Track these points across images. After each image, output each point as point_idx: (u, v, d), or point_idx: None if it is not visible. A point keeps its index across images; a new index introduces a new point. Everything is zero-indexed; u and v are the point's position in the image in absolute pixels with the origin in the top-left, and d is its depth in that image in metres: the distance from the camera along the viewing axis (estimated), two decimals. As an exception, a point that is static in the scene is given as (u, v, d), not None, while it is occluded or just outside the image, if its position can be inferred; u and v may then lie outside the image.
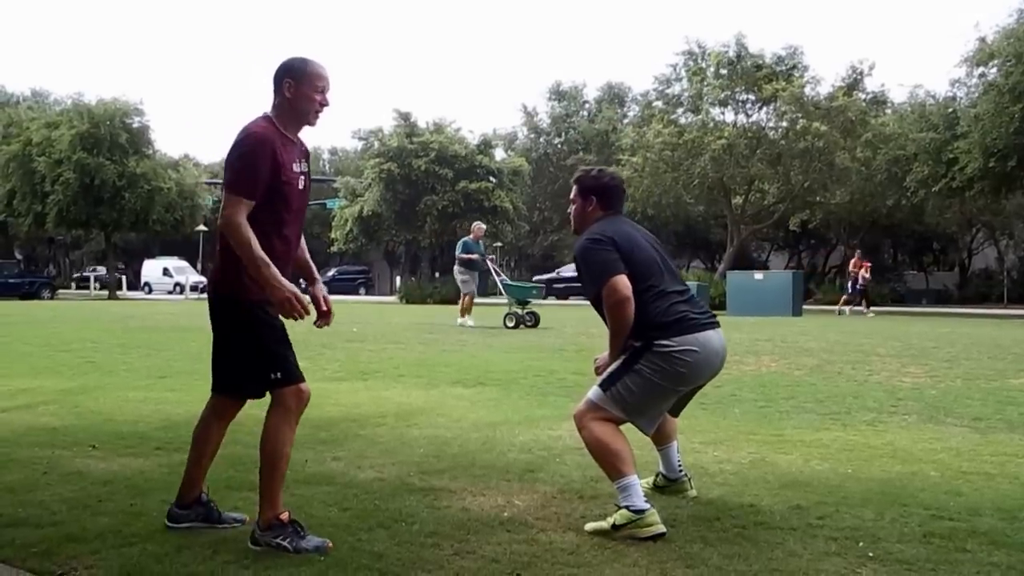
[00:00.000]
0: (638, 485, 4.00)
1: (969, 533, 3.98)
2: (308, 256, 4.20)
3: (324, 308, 4.08)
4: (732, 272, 31.16)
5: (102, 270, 58.58)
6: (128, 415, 7.15)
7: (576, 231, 4.52)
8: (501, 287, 18.99)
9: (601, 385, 4.18)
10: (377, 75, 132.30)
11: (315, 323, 4.07)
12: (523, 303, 18.59)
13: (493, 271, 19.47)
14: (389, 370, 10.19)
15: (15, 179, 43.20)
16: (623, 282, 4.07)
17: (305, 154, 4.01)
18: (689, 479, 4.71)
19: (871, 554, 3.69)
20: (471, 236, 19.44)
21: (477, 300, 19.68)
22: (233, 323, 3.82)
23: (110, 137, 41.84)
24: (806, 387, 8.90)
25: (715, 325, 4.28)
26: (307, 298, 3.75)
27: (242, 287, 3.76)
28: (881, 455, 5.74)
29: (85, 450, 5.73)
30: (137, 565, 3.49)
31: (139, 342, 13.94)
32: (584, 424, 4.14)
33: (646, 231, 4.58)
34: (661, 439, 4.63)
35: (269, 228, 3.77)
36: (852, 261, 29.14)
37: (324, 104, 3.91)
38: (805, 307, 29.41)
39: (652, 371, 4.08)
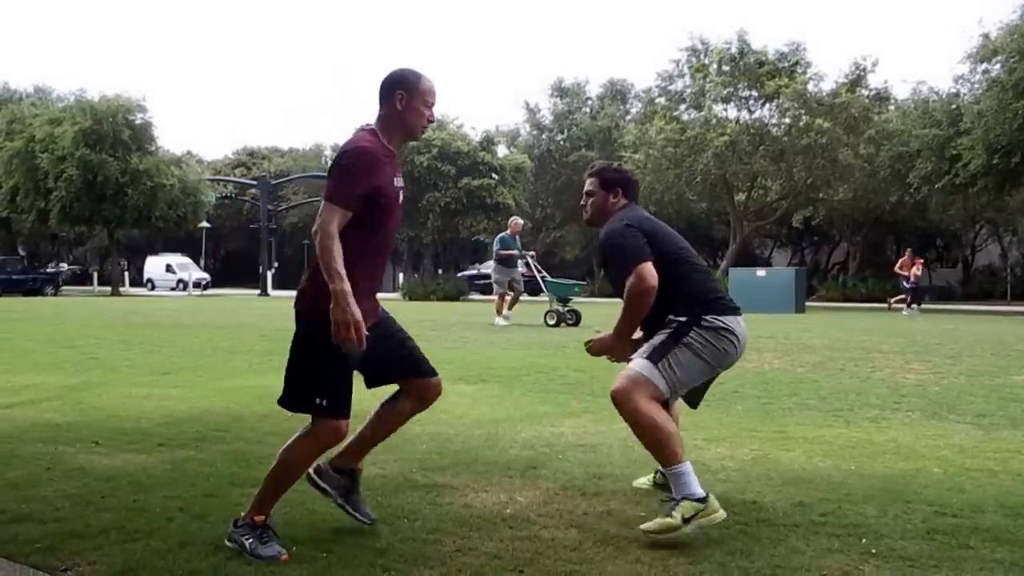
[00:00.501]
0: (692, 472, 3.91)
1: (972, 530, 3.97)
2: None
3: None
4: (735, 269, 31.16)
5: (64, 266, 58.86)
6: (131, 411, 7.16)
7: (594, 223, 4.57)
8: (542, 284, 18.46)
9: (650, 357, 4.05)
10: (379, 71, 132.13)
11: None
12: (564, 300, 18.08)
13: (533, 268, 18.92)
14: (392, 366, 10.14)
15: (18, 175, 43.18)
16: (650, 270, 4.06)
17: (398, 165, 3.93)
18: None
19: (874, 551, 3.69)
20: (508, 231, 18.25)
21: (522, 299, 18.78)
22: (306, 334, 3.72)
23: (113, 133, 41.79)
24: (809, 384, 8.89)
25: (740, 311, 4.33)
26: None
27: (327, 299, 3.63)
28: (884, 452, 5.74)
29: (88, 446, 5.73)
30: (140, 561, 3.50)
31: (142, 338, 13.94)
32: (631, 403, 3.95)
33: (663, 223, 4.59)
34: None
35: (366, 243, 3.72)
36: (902, 260, 28.60)
37: (431, 120, 3.88)
38: (808, 304, 29.39)
39: (702, 346, 4.09)
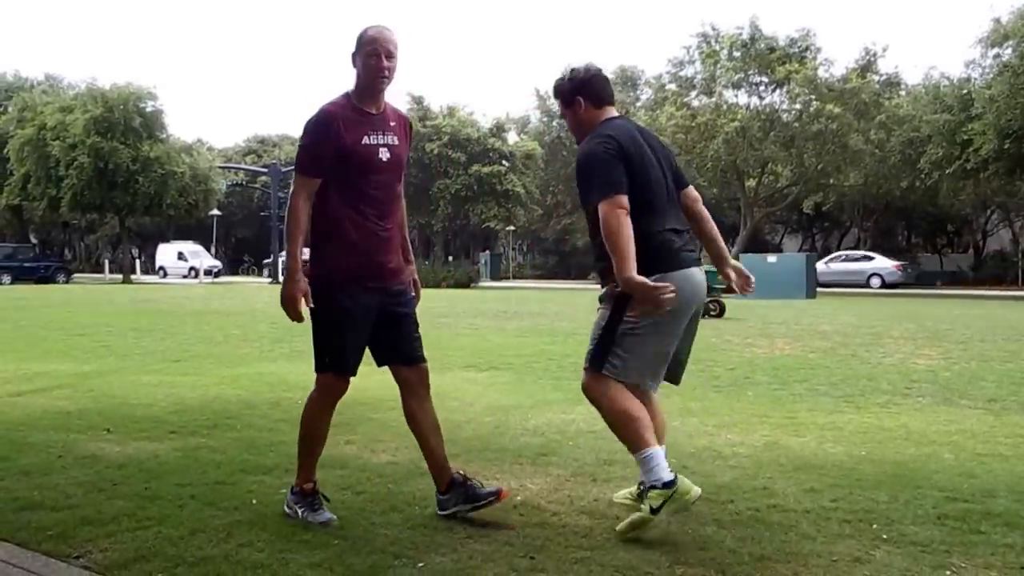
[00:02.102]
0: (661, 455, 3.67)
1: (984, 515, 3.96)
2: (406, 234, 4.16)
3: (412, 293, 4.13)
4: (745, 255, 31.11)
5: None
6: (142, 399, 7.19)
7: (579, 142, 4.00)
8: None
9: (592, 364, 3.80)
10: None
11: None
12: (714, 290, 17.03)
13: None
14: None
15: (30, 163, 43.36)
16: (617, 206, 3.61)
17: (397, 125, 3.94)
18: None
19: (885, 536, 3.69)
20: None
21: None
22: (316, 298, 3.82)
23: (124, 121, 41.91)
24: (820, 370, 8.88)
25: (698, 261, 3.91)
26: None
27: (326, 260, 3.84)
28: (895, 437, 5.73)
29: (100, 434, 5.76)
30: (152, 548, 3.51)
31: (153, 326, 13.99)
32: (596, 392, 3.82)
33: (655, 137, 4.14)
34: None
35: (351, 203, 3.81)
36: None
37: (386, 67, 3.80)
38: (818, 290, 29.34)
39: (637, 324, 3.69)
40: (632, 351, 3.75)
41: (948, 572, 3.29)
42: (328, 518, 3.86)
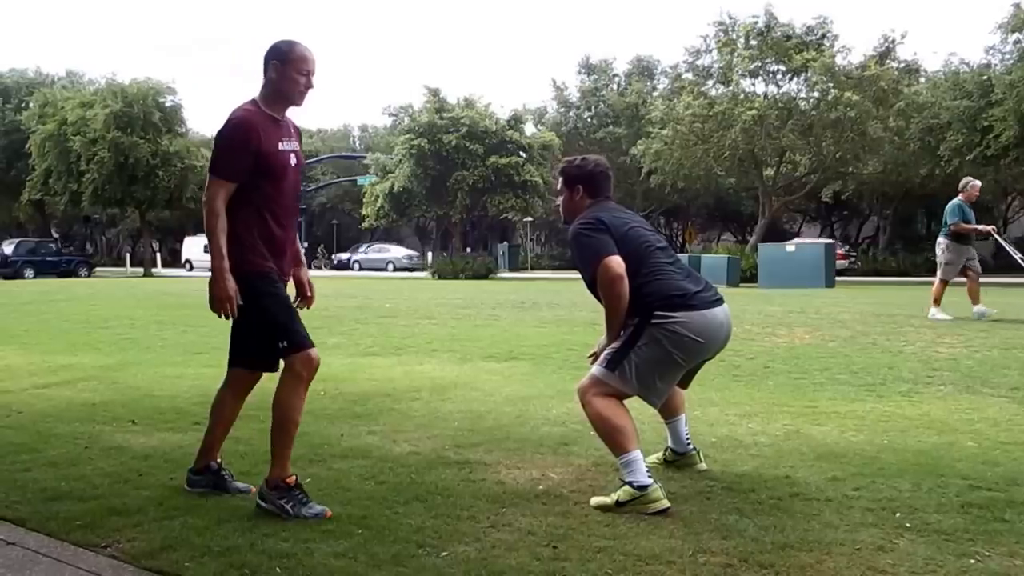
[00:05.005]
0: (641, 461, 3.99)
1: (1007, 503, 3.95)
2: (296, 237, 4.34)
3: (308, 293, 4.38)
4: (764, 244, 30.96)
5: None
6: (166, 390, 7.24)
7: (566, 222, 4.49)
8: (1021, 263, 15.26)
9: (607, 365, 4.13)
10: (407, 52, 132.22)
11: (297, 305, 4.24)
12: None
13: (1004, 244, 16.01)
14: (422, 345, 10.23)
15: (51, 158, 43.64)
16: (616, 261, 4.05)
17: (295, 132, 4.16)
18: (698, 452, 4.69)
19: (908, 525, 3.69)
20: (961, 197, 13.09)
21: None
22: (242, 297, 3.91)
23: (143, 116, 42.15)
24: (840, 358, 8.85)
25: (719, 303, 4.22)
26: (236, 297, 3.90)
27: (244, 260, 3.91)
28: (917, 426, 5.71)
29: (125, 425, 5.81)
30: (178, 537, 3.55)
31: (175, 318, 14.05)
32: (587, 399, 4.13)
33: (637, 215, 4.59)
34: (668, 412, 4.60)
35: (262, 207, 3.97)
36: None
37: (309, 86, 4.03)
38: (837, 279, 29.20)
39: (656, 345, 4.06)
40: (644, 367, 4.09)
41: (972, 560, 3.29)
42: (321, 510, 3.83)
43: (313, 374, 4.00)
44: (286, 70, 3.96)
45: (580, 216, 4.32)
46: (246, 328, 4.05)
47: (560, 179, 4.52)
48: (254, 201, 3.94)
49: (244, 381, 4.33)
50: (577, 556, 3.36)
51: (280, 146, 3.99)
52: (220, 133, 3.95)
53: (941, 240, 13.13)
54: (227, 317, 3.89)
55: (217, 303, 3.85)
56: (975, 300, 12.83)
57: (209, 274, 3.86)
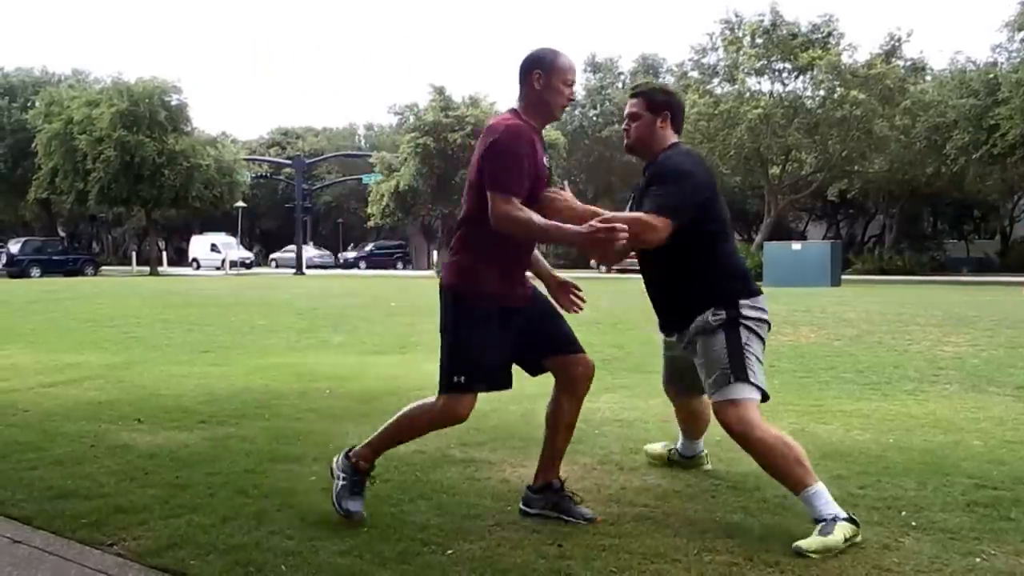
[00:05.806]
0: (825, 489, 3.57)
1: (1013, 502, 3.95)
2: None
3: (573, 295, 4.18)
4: (769, 243, 30.88)
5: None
6: (172, 389, 7.25)
7: (634, 150, 4.03)
8: None
9: (737, 377, 3.68)
10: (412, 50, 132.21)
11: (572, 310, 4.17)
12: None
13: None
14: (427, 343, 10.20)
15: (57, 157, 43.65)
16: (668, 232, 3.65)
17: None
18: (706, 455, 4.68)
19: (914, 523, 3.68)
20: None
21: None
22: (456, 313, 3.72)
23: (149, 115, 42.10)
24: (846, 357, 8.84)
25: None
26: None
27: (477, 279, 3.68)
28: (923, 425, 5.70)
29: (130, 424, 5.82)
30: (184, 536, 3.56)
31: (181, 317, 14.08)
32: (754, 436, 3.61)
33: None
34: (695, 433, 4.56)
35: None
36: None
37: (571, 99, 3.80)
38: (844, 277, 29.17)
39: (754, 336, 3.80)
40: (756, 355, 3.79)
41: (978, 559, 3.29)
42: (358, 510, 3.74)
43: (446, 425, 3.99)
44: (550, 80, 3.68)
45: (680, 151, 3.92)
46: (447, 343, 3.77)
47: (643, 102, 3.97)
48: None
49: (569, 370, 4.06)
50: (582, 554, 3.36)
51: (544, 161, 3.75)
52: (498, 146, 3.61)
53: None
54: (612, 241, 3.32)
55: (591, 239, 3.36)
56: None
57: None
